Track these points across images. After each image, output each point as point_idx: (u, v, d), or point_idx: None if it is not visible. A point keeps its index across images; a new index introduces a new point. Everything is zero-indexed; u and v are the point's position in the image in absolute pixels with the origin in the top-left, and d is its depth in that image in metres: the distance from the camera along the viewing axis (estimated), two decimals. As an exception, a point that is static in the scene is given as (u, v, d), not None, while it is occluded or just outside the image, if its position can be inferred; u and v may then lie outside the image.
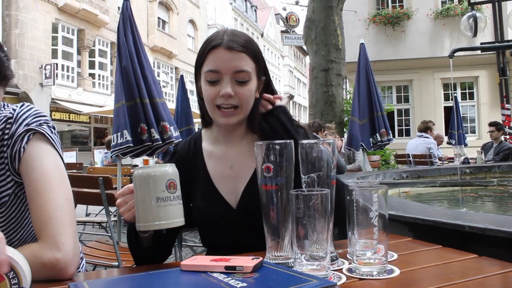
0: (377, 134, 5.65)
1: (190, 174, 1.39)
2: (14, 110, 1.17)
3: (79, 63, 19.73)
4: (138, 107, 4.23)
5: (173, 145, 4.48)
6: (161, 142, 4.26)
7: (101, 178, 3.06)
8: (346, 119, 8.63)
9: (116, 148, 4.22)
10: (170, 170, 1.05)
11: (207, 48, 1.28)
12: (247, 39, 1.31)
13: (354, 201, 0.92)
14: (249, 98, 1.31)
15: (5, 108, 1.18)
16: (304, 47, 11.40)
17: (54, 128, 1.20)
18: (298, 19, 20.22)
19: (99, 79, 20.78)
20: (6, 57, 0.96)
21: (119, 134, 4.20)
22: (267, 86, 1.40)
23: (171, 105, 8.73)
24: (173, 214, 1.02)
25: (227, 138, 1.39)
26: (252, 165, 1.31)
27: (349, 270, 0.94)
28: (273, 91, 1.43)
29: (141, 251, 1.24)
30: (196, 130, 7.51)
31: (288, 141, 0.99)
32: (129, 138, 4.16)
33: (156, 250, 1.26)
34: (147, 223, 1.02)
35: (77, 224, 1.15)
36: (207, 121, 1.44)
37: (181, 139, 4.55)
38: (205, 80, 1.29)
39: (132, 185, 1.07)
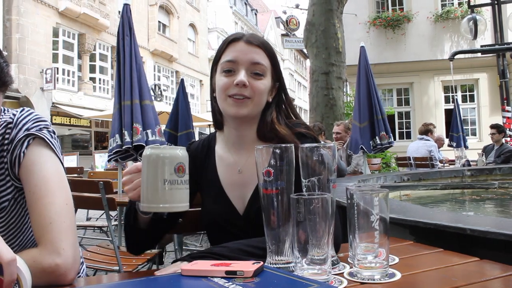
0: (377, 137, 5.64)
1: (201, 175, 1.41)
2: (14, 115, 1.16)
3: (79, 67, 19.77)
4: (122, 109, 4.20)
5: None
6: (131, 146, 4.16)
7: (101, 182, 3.06)
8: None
9: (112, 153, 4.22)
10: (181, 153, 1.03)
11: (227, 42, 1.34)
12: (266, 41, 1.38)
13: (355, 204, 0.91)
14: (262, 92, 1.32)
15: (5, 113, 1.17)
16: (305, 50, 11.41)
17: (54, 133, 1.20)
18: (299, 22, 20.27)
19: (99, 83, 20.81)
20: (6, 63, 0.96)
21: (114, 138, 4.20)
22: (281, 94, 1.41)
23: (169, 108, 8.72)
24: (179, 198, 1.01)
25: (237, 142, 1.39)
26: None
27: (350, 274, 0.94)
28: (286, 99, 1.42)
29: (136, 232, 1.25)
30: (196, 134, 7.50)
31: (288, 145, 0.98)
32: (119, 142, 4.14)
33: (151, 233, 1.26)
34: (152, 204, 1.01)
35: (78, 229, 1.15)
36: (218, 123, 1.44)
37: (159, 145, 4.48)
38: (221, 71, 1.32)
39: (139, 164, 1.06)
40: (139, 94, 4.29)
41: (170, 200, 1.00)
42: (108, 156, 4.37)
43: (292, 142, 1.27)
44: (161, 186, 0.99)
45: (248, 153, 1.37)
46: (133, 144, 4.15)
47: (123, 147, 4.13)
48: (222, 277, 0.87)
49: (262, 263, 0.91)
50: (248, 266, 0.88)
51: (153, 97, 4.54)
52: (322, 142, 1.26)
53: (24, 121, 1.15)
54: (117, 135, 4.16)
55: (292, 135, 1.33)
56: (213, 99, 1.40)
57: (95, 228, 5.73)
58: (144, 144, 4.19)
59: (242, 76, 1.27)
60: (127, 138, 4.12)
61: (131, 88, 4.26)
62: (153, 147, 1.03)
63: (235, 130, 1.38)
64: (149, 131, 4.31)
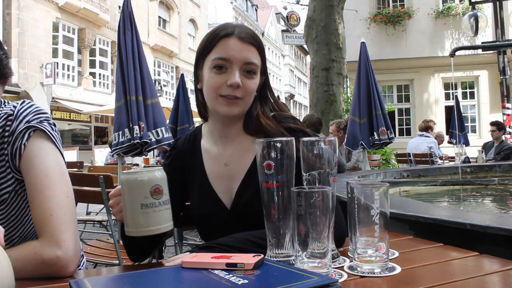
0: (375, 133, 5.64)
1: (188, 170, 1.40)
2: (15, 107, 1.16)
3: (79, 62, 19.73)
4: (128, 104, 4.23)
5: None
6: (140, 141, 4.23)
7: (101, 176, 3.06)
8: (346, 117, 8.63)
9: (118, 147, 4.22)
10: (156, 175, 1.02)
11: (219, 36, 1.27)
12: (256, 34, 1.33)
13: (355, 198, 0.91)
14: (253, 91, 1.30)
15: (5, 105, 1.17)
16: (305, 46, 11.40)
17: (55, 125, 1.20)
18: (299, 18, 20.19)
19: (99, 78, 20.78)
20: (5, 55, 0.96)
21: (120, 132, 4.20)
22: (265, 87, 1.39)
23: (171, 104, 8.75)
24: (159, 220, 1.01)
25: (223, 135, 1.37)
26: (245, 164, 1.31)
27: (350, 267, 0.94)
28: (270, 92, 1.41)
29: (135, 245, 1.24)
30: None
31: (289, 138, 0.98)
32: (129, 136, 4.17)
33: (150, 245, 1.25)
34: (134, 229, 1.02)
35: (78, 223, 1.14)
36: (203, 116, 1.42)
37: (172, 141, 4.56)
38: (211, 68, 1.27)
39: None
40: (143, 91, 4.33)
41: (150, 223, 1.00)
42: (112, 149, 4.38)
43: (279, 135, 1.26)
44: (139, 211, 1.00)
45: (234, 145, 1.36)
46: (141, 140, 4.22)
47: (135, 141, 4.18)
48: (222, 269, 0.87)
49: (262, 255, 0.92)
50: (248, 259, 0.88)
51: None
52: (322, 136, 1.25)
53: (24, 113, 1.15)
54: (126, 130, 4.17)
55: (278, 129, 1.30)
56: (199, 91, 1.37)
57: (95, 222, 5.74)
58: (148, 141, 4.26)
59: (236, 77, 1.23)
60: (138, 133, 4.17)
61: (135, 85, 4.28)
62: (128, 172, 1.02)
63: (221, 124, 1.35)
64: (163, 129, 4.36)
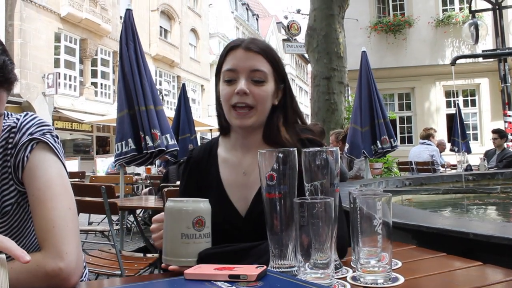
0: (378, 142, 5.64)
1: (203, 179, 1.42)
2: (18, 119, 1.17)
3: (81, 72, 19.79)
4: (137, 115, 4.26)
5: (169, 152, 4.51)
6: (154, 150, 4.26)
7: (103, 186, 3.06)
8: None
9: (121, 157, 4.23)
10: (201, 206, 1.04)
11: (226, 50, 1.33)
12: (266, 45, 1.36)
13: (358, 208, 0.91)
14: (264, 98, 1.32)
15: (8, 118, 1.18)
16: (306, 55, 11.43)
17: (57, 137, 1.20)
18: (300, 27, 20.24)
19: (101, 88, 20.84)
20: (10, 61, 0.97)
21: (123, 143, 4.22)
22: (287, 96, 1.40)
23: (172, 113, 8.78)
24: (196, 253, 1.02)
25: (243, 145, 1.39)
26: None
27: (353, 278, 0.94)
28: (291, 101, 1.42)
29: None
30: (198, 138, 7.53)
31: (291, 149, 0.98)
32: (133, 146, 4.18)
33: None
34: (168, 258, 1.03)
35: (80, 233, 1.14)
36: (224, 129, 1.44)
37: (178, 148, 4.60)
38: (223, 80, 1.32)
39: None
40: (152, 100, 4.37)
41: (187, 254, 1.02)
42: (115, 159, 4.40)
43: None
44: (178, 241, 1.01)
45: (253, 155, 1.36)
46: (157, 149, 4.26)
47: (149, 151, 4.21)
48: (225, 281, 0.87)
49: (265, 267, 0.91)
50: (251, 270, 0.88)
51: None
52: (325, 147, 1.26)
53: (27, 126, 1.15)
54: (130, 140, 4.19)
55: (294, 143, 1.32)
56: (219, 105, 1.40)
57: (97, 232, 5.73)
58: (165, 149, 4.30)
59: (242, 84, 1.27)
60: (150, 143, 4.20)
61: (144, 94, 4.31)
62: (174, 200, 1.05)
63: (242, 136, 1.38)
64: (168, 136, 4.40)
